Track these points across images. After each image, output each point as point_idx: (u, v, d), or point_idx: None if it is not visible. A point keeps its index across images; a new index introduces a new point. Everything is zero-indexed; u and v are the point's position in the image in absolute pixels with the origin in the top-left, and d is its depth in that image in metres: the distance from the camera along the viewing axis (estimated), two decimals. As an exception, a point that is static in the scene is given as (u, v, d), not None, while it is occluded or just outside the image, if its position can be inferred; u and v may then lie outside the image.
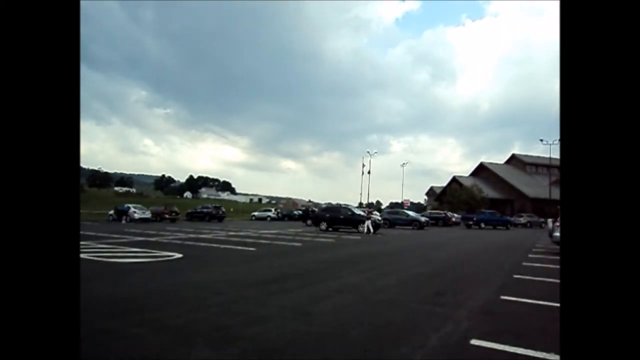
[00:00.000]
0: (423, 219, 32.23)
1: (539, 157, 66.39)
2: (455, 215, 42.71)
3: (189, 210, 37.16)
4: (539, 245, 16.87)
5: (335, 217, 24.83)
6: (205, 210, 36.16)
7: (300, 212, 43.26)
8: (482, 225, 34.98)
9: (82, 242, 12.12)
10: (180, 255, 10.57)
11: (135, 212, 30.27)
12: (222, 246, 13.27)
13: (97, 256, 9.93)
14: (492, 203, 52.83)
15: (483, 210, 38.69)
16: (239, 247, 12.92)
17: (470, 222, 36.17)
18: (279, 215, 45.26)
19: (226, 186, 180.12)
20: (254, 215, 45.55)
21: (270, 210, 46.79)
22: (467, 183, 59.12)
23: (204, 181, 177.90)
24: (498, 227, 34.53)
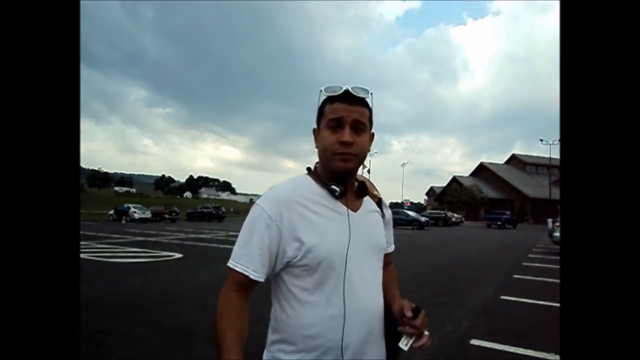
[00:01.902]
0: (423, 219, 32.22)
1: (539, 157, 66.34)
2: (456, 215, 42.69)
3: (189, 210, 37.06)
4: (539, 245, 16.87)
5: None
6: (205, 210, 36.02)
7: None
8: (506, 225, 37.02)
9: (82, 242, 12.12)
10: (180, 255, 10.57)
11: (135, 212, 30.21)
12: (222, 246, 13.27)
13: (97, 256, 9.93)
14: (492, 203, 52.79)
15: (504, 212, 40.78)
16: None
17: (499, 222, 37.50)
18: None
19: (226, 186, 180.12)
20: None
21: (270, 210, 46.58)
22: (467, 183, 59.09)
23: (204, 181, 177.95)
24: (507, 227, 36.33)
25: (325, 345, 1.02)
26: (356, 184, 1.15)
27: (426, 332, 1.07)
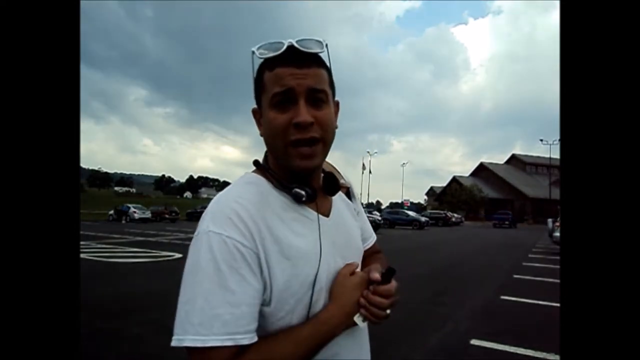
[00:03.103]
0: (423, 219, 32.22)
1: (539, 157, 66.37)
2: (456, 215, 42.72)
3: (189, 210, 37.05)
4: (539, 245, 16.86)
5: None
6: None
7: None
8: (512, 225, 39.03)
9: (82, 242, 12.13)
10: (180, 255, 10.56)
11: (135, 212, 30.20)
12: (222, 246, 13.23)
13: (97, 256, 9.93)
14: (492, 203, 52.82)
15: (508, 212, 42.57)
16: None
17: (507, 222, 39.07)
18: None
19: (226, 186, 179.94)
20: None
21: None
22: (467, 183, 59.10)
23: (204, 181, 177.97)
24: (511, 226, 38.61)
25: None
26: (321, 177, 0.85)
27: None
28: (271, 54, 0.74)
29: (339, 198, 0.91)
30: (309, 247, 0.75)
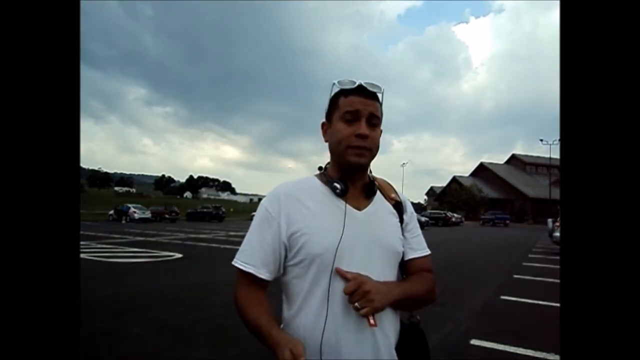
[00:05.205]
0: (423, 219, 32.18)
1: (539, 157, 66.29)
2: (456, 215, 42.69)
3: (189, 210, 37.00)
4: (539, 245, 16.86)
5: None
6: (205, 210, 35.96)
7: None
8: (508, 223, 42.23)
9: (82, 242, 12.12)
10: (180, 255, 10.57)
11: (135, 212, 30.17)
12: (222, 246, 13.27)
13: (97, 256, 9.93)
14: (492, 203, 52.78)
15: (501, 211, 44.97)
16: (239, 247, 12.88)
17: (507, 221, 41.94)
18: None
19: (226, 186, 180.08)
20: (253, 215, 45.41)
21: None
22: (467, 183, 59.05)
23: (204, 181, 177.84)
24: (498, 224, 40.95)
25: (312, 350, 0.96)
26: (365, 183, 1.11)
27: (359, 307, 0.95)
28: (348, 87, 1.05)
29: (384, 206, 1.13)
30: (333, 225, 1.01)
